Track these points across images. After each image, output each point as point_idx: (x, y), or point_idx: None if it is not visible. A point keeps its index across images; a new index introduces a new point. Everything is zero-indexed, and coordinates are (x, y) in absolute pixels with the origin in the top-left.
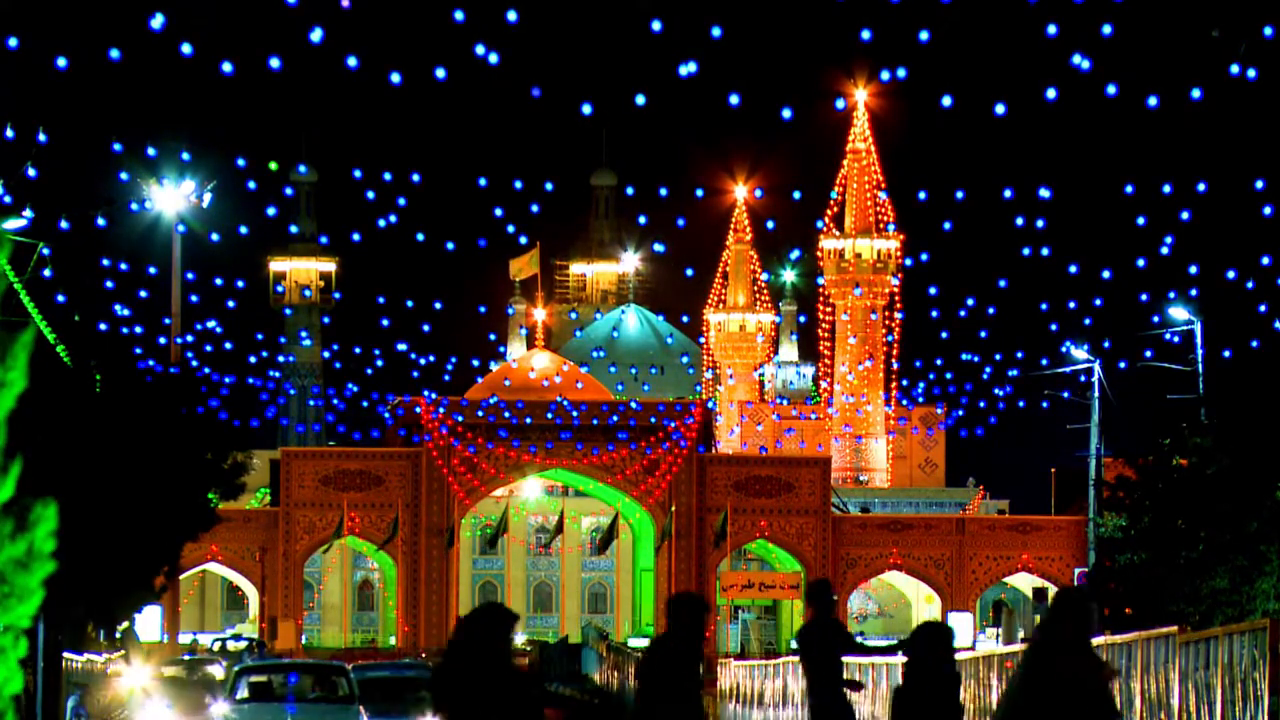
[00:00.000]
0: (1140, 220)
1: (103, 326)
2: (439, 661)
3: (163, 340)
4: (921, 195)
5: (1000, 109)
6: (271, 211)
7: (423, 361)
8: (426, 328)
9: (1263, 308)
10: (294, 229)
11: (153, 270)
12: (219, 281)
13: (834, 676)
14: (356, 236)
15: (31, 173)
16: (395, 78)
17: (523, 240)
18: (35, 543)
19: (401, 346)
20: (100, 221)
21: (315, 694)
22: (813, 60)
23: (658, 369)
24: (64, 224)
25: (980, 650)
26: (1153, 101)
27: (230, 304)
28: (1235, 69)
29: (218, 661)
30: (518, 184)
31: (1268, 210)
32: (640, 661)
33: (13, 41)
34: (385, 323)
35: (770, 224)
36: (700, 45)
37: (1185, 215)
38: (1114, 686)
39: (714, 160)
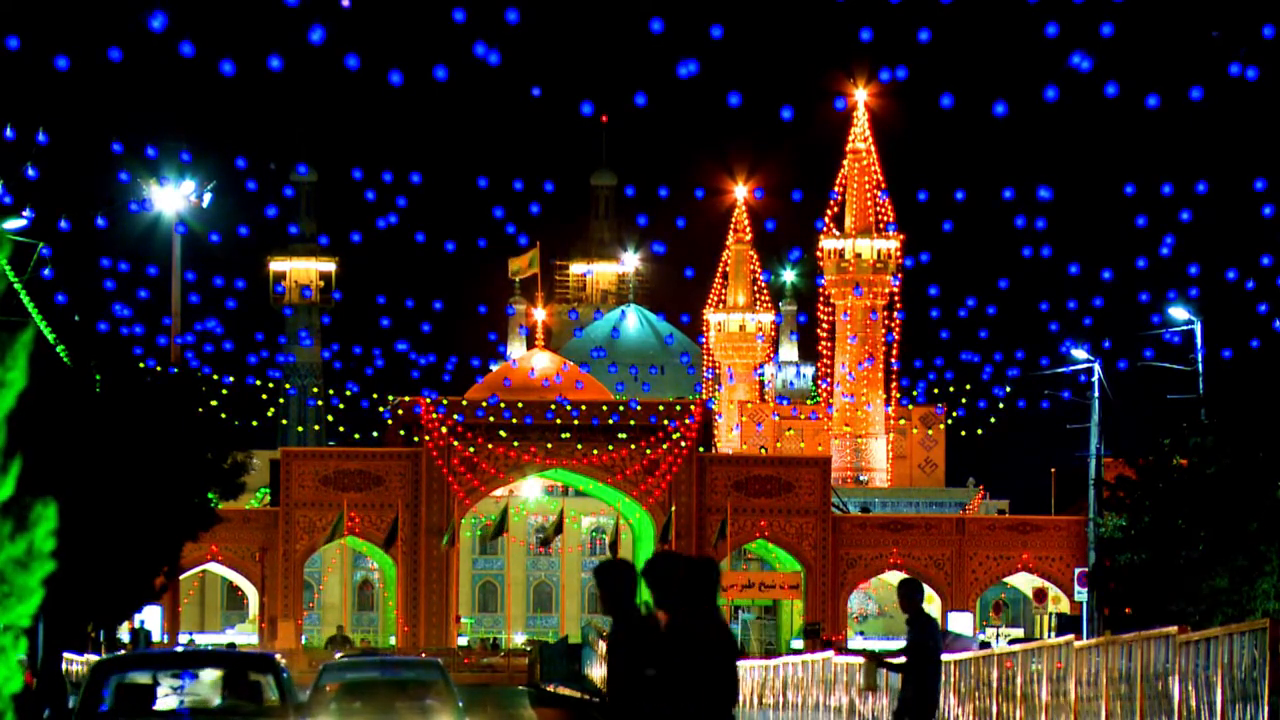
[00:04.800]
0: (1140, 220)
1: (103, 326)
2: None
3: (163, 340)
4: (921, 195)
5: (1000, 109)
6: (271, 212)
7: (423, 361)
8: (426, 328)
9: (1263, 308)
10: (294, 229)
11: (153, 270)
12: (219, 281)
13: None
14: (356, 236)
15: (31, 173)
16: (395, 78)
17: (523, 241)
18: (35, 542)
19: (401, 346)
20: (100, 221)
21: (225, 700)
22: (813, 60)
23: (658, 369)
24: (64, 224)
25: (981, 649)
26: (1153, 101)
27: (230, 304)
28: (1235, 69)
29: None
30: (518, 184)
31: (1268, 210)
32: None
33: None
34: (385, 323)
35: (770, 224)
36: (700, 45)
37: (1185, 215)
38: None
39: (714, 160)
